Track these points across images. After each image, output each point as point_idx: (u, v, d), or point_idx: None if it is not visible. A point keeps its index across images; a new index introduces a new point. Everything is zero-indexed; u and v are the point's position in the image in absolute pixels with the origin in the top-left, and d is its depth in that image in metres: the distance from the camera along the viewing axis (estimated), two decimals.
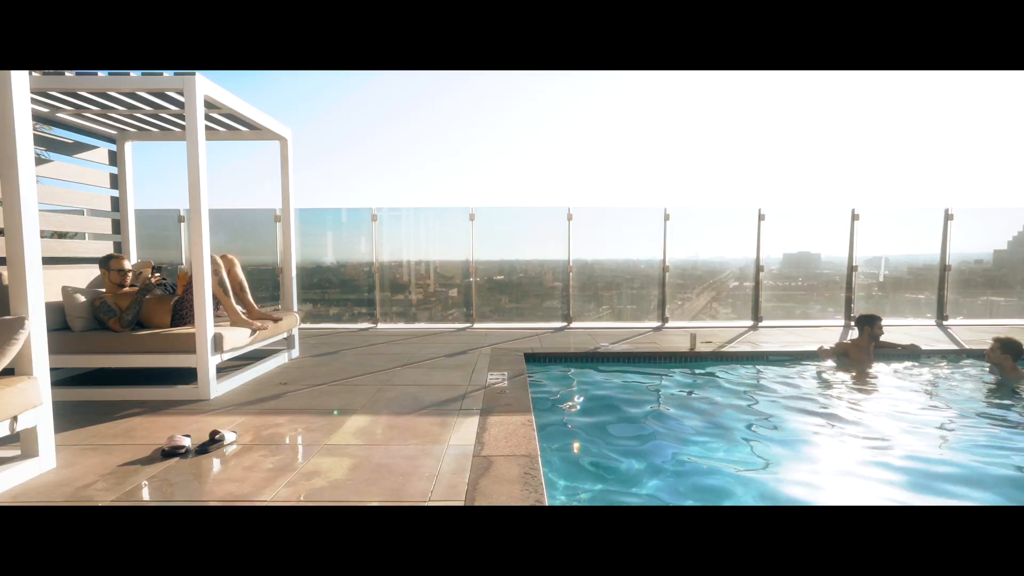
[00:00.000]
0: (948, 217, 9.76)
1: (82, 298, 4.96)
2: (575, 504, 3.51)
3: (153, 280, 5.24)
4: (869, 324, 6.67)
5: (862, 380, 6.16)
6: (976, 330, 8.82)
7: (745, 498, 3.54)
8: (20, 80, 3.06)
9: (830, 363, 6.65)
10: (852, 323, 9.19)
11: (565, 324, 9.67)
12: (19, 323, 3.08)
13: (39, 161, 5.44)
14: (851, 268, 9.84)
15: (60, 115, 5.64)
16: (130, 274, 5.23)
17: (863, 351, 6.61)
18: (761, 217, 9.69)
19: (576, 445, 4.41)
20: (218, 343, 4.84)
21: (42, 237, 4.34)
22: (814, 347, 6.89)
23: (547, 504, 2.84)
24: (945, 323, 9.71)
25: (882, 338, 6.95)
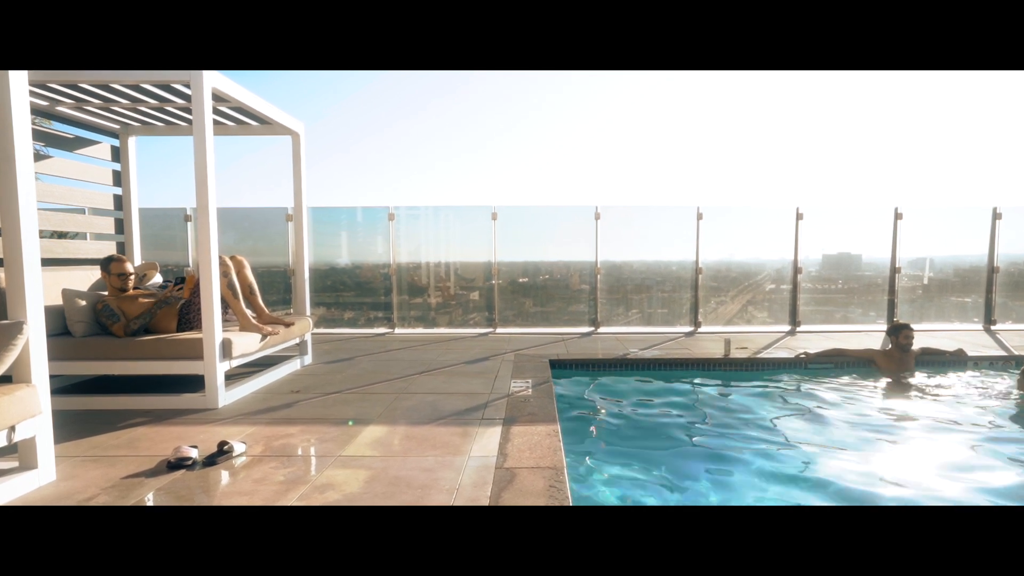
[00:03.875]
0: (996, 216, 9.62)
1: (83, 301, 4.94)
2: (591, 504, 3.54)
3: (175, 293, 5.19)
4: (894, 334, 6.71)
5: (896, 390, 6.11)
6: None
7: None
8: (18, 74, 3.03)
9: (861, 373, 6.63)
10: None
11: (592, 329, 9.61)
12: (17, 328, 3.04)
13: (38, 157, 5.44)
14: (894, 270, 9.71)
15: (60, 108, 5.65)
16: (133, 277, 5.20)
17: (894, 361, 6.60)
18: (799, 216, 9.58)
19: (604, 456, 4.35)
20: (227, 349, 4.81)
21: (41, 237, 4.33)
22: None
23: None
24: (993, 328, 9.56)
25: (929, 344, 6.93)
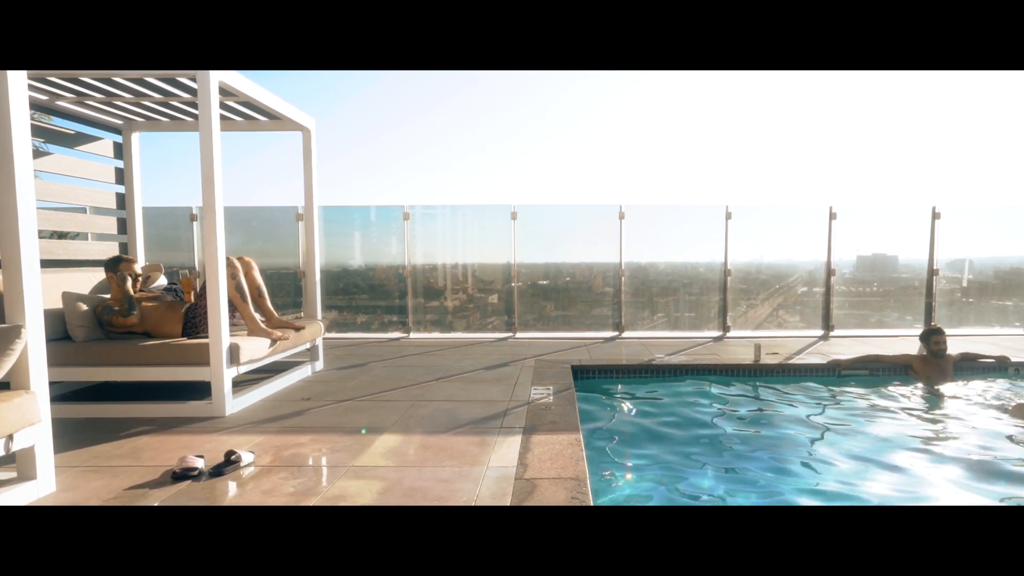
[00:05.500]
0: None
1: (84, 305, 4.93)
2: (603, 505, 3.56)
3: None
4: (925, 340, 6.67)
5: (933, 398, 6.04)
6: None
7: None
8: (17, 71, 3.01)
9: (897, 380, 6.56)
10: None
11: (616, 334, 9.55)
12: (15, 332, 3.01)
13: (37, 154, 5.44)
14: (931, 272, 9.59)
15: (61, 103, 5.64)
16: (138, 279, 5.18)
17: (931, 367, 6.51)
18: (832, 216, 9.48)
19: (629, 467, 4.33)
20: (234, 354, 4.77)
21: (41, 237, 4.31)
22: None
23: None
24: None
25: (969, 350, 6.81)
